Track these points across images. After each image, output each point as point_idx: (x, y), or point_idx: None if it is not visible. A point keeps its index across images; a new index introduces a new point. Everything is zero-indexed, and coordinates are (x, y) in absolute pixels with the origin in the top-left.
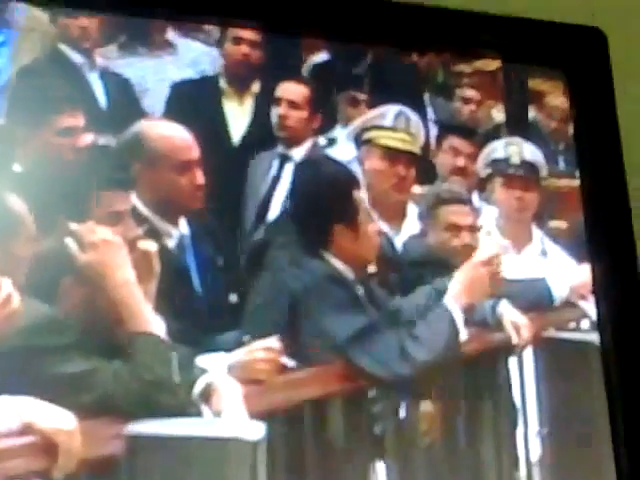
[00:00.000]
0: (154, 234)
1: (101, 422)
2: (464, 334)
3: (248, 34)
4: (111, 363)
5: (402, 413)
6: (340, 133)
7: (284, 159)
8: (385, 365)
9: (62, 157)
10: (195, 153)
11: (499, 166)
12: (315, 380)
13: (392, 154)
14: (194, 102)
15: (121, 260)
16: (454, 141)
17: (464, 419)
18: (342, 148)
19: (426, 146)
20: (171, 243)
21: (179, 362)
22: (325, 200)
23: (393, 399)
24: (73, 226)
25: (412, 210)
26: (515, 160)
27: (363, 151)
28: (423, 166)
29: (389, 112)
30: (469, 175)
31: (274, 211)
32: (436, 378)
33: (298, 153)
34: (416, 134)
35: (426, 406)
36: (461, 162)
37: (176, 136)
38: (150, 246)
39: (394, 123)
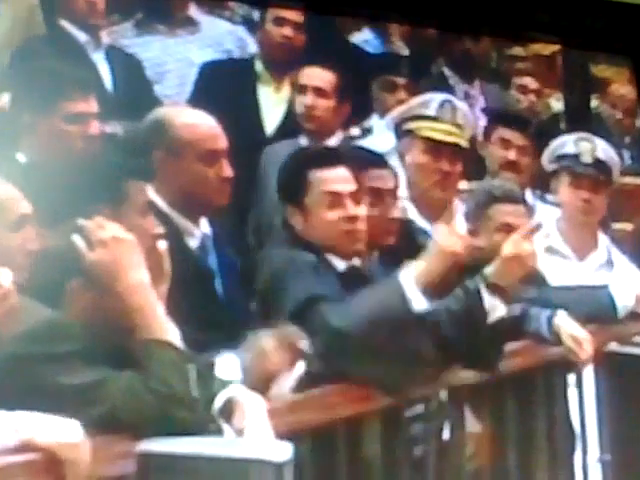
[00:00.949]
0: (174, 232)
1: (110, 439)
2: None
3: (292, 15)
4: (122, 374)
5: (446, 434)
6: (377, 122)
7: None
8: None
9: (71, 146)
10: (223, 143)
11: (568, 163)
12: (347, 397)
13: (436, 147)
14: (224, 86)
15: (135, 259)
16: (505, 132)
17: (515, 442)
18: (379, 138)
19: (473, 138)
20: (193, 243)
21: (197, 374)
22: None
23: (436, 418)
24: (80, 222)
25: (459, 209)
26: (586, 158)
27: (404, 143)
28: (470, 160)
29: (433, 100)
30: (522, 170)
31: None
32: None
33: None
34: (464, 125)
35: (473, 426)
36: (512, 155)
37: (202, 124)
38: (161, 245)
39: (439, 113)
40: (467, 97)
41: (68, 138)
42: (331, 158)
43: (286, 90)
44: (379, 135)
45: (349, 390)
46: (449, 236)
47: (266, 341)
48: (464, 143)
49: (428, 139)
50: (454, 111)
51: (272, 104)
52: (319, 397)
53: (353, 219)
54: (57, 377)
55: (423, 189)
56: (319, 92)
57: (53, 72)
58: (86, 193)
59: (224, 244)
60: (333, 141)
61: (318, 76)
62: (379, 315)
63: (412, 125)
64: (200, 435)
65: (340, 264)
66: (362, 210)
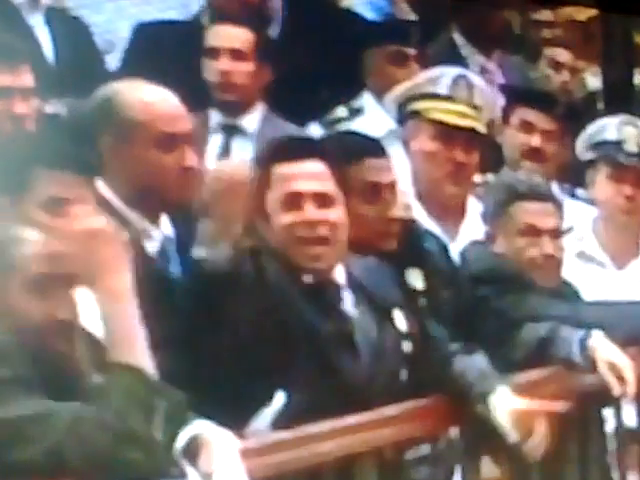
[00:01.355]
0: (130, 234)
1: None
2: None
3: None
4: (67, 405)
5: (456, 479)
6: (369, 101)
7: (230, 132)
8: None
9: None
10: (185, 125)
11: (608, 151)
12: (337, 434)
13: (448, 132)
14: (165, 52)
15: (118, 258)
16: (527, 114)
17: None
18: (373, 120)
19: (490, 121)
20: (151, 247)
21: (166, 414)
22: None
23: (445, 461)
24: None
25: (474, 207)
26: (631, 146)
27: (409, 127)
28: (488, 148)
29: (445, 76)
30: (547, 159)
31: None
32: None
33: (250, 122)
34: (481, 106)
35: (491, 471)
36: (536, 141)
37: (159, 102)
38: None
39: (452, 91)
40: (483, 72)
41: None
42: (302, 149)
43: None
44: (372, 116)
45: (339, 424)
46: None
47: None
48: (481, 128)
49: (438, 123)
50: (470, 89)
51: None
52: (303, 434)
53: (311, 224)
54: None
55: (432, 183)
56: (235, 54)
57: None
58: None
59: (189, 248)
60: (254, 116)
61: (233, 35)
62: None
63: (419, 106)
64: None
65: (306, 277)
66: (333, 214)
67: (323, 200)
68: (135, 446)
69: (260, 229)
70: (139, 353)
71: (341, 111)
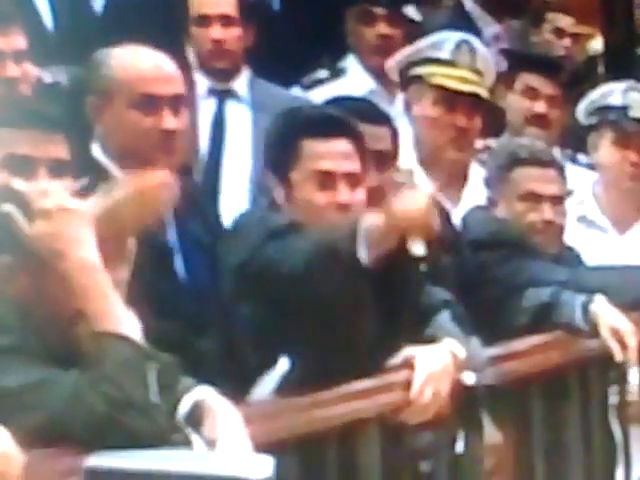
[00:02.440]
0: None
1: (52, 452)
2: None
3: None
4: (65, 374)
5: (459, 446)
6: (352, 62)
7: (223, 96)
8: None
9: None
10: (168, 88)
11: (612, 116)
12: (340, 400)
13: (450, 97)
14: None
15: (84, 235)
16: (531, 79)
17: (544, 454)
18: (354, 81)
19: (493, 86)
20: None
21: (159, 375)
22: None
23: (446, 426)
24: (18, 185)
25: (476, 173)
26: (637, 113)
27: (411, 92)
28: (491, 113)
29: (447, 41)
30: (550, 125)
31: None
32: None
33: (240, 86)
34: (484, 71)
35: (493, 436)
36: (541, 107)
37: (142, 63)
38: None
39: (454, 55)
40: (495, 38)
41: None
42: (332, 126)
43: None
44: (354, 77)
45: (342, 391)
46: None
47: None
48: (484, 93)
49: (441, 88)
50: (472, 54)
51: None
52: (305, 400)
53: (345, 207)
54: None
55: (434, 148)
56: (225, 20)
57: None
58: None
59: (186, 213)
60: (241, 80)
61: (222, 0)
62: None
63: (421, 70)
64: (162, 448)
65: None
66: (359, 195)
67: (353, 181)
68: (134, 412)
69: (278, 200)
70: (122, 320)
71: (322, 73)
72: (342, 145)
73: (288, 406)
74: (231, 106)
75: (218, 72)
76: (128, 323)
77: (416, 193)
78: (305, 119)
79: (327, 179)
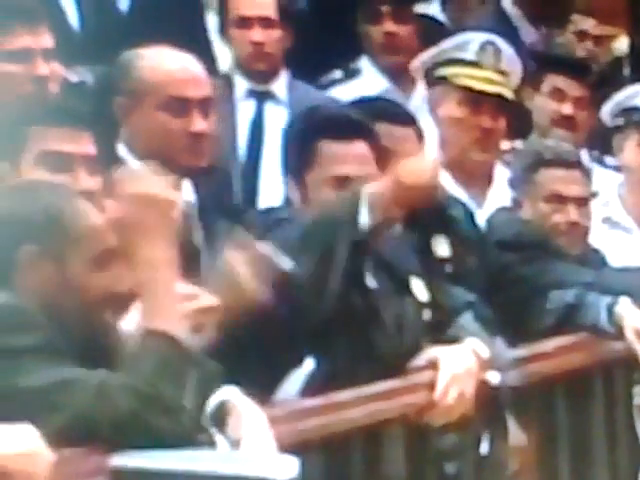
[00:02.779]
0: None
1: (77, 452)
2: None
3: None
4: (93, 372)
5: (484, 447)
6: (366, 63)
7: (262, 98)
8: None
9: (14, 88)
10: (197, 91)
11: (637, 118)
12: (365, 401)
13: (475, 98)
14: (165, 13)
15: (163, 227)
16: (558, 80)
17: (569, 456)
18: (368, 80)
19: (519, 87)
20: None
21: (198, 383)
22: None
23: (471, 427)
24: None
25: (501, 174)
26: None
27: (435, 93)
28: (516, 115)
29: (472, 41)
30: (578, 127)
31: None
32: None
33: (279, 88)
34: (509, 72)
35: (517, 438)
36: (568, 109)
37: (171, 65)
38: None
39: (479, 56)
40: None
41: (11, 80)
42: (350, 127)
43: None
44: (369, 77)
45: (366, 392)
46: None
47: (234, 258)
48: (509, 94)
49: (465, 88)
50: (497, 55)
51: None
52: (331, 401)
53: None
54: (13, 378)
55: (459, 149)
56: (265, 22)
57: None
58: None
59: (212, 214)
60: (280, 82)
61: (263, 2)
62: None
63: (446, 71)
64: (187, 447)
65: None
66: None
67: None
68: (162, 412)
69: (294, 201)
70: (175, 321)
71: (337, 73)
72: (360, 148)
73: (313, 407)
74: (270, 108)
75: (257, 74)
76: (180, 325)
77: (420, 159)
78: (323, 120)
79: (343, 182)
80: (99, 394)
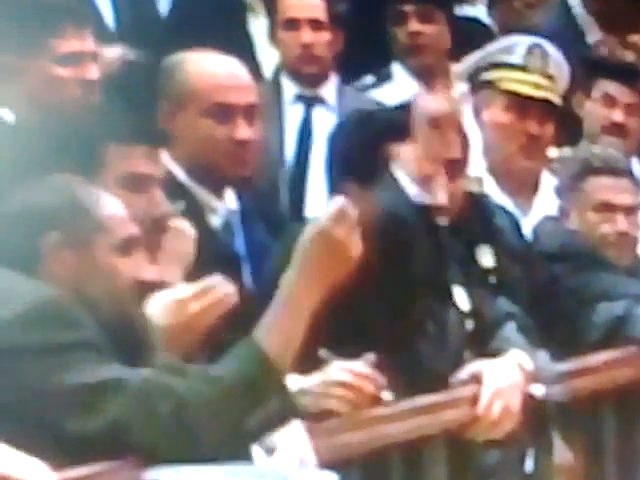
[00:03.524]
0: (192, 208)
1: (109, 465)
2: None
3: None
4: (133, 372)
5: (529, 465)
6: (397, 67)
7: (310, 103)
8: None
9: (64, 92)
10: (242, 97)
11: None
12: (410, 415)
13: (521, 103)
14: (206, 17)
15: None
16: (609, 86)
17: (617, 475)
18: (399, 84)
19: (569, 93)
20: (215, 221)
21: (266, 417)
22: None
23: (516, 444)
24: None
25: (548, 182)
26: None
27: (480, 97)
28: (565, 121)
29: (519, 45)
30: (629, 134)
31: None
32: None
33: (328, 93)
34: (557, 76)
35: (563, 456)
36: (618, 116)
37: (217, 70)
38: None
39: (526, 60)
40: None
41: (61, 84)
42: (407, 128)
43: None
44: (400, 81)
45: (408, 405)
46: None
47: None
48: (556, 99)
49: (511, 93)
50: (545, 59)
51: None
52: (370, 415)
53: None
54: (59, 374)
55: (504, 156)
56: (315, 24)
57: (38, 3)
58: (83, 154)
59: (255, 222)
60: (330, 87)
61: (312, 4)
62: None
63: (491, 75)
64: (225, 461)
65: None
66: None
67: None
68: (202, 416)
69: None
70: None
71: (368, 79)
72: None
73: (352, 421)
74: (319, 113)
75: (306, 78)
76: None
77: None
78: (386, 122)
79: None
80: (138, 396)
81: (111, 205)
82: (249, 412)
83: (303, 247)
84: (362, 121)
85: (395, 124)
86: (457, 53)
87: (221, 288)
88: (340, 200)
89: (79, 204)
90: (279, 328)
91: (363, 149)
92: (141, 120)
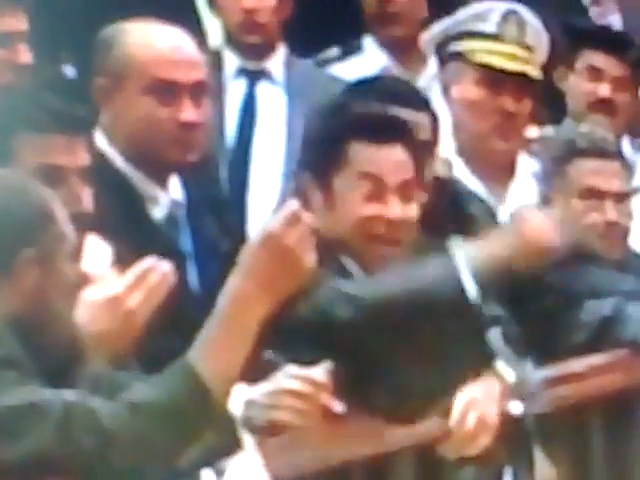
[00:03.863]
0: (129, 198)
1: None
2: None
3: None
4: (58, 394)
5: None
6: (368, 40)
7: (255, 77)
8: None
9: None
10: (190, 73)
11: None
12: (372, 431)
13: (495, 77)
14: None
15: None
16: (595, 58)
17: None
18: (367, 58)
19: (549, 65)
20: (157, 213)
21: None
22: None
23: (492, 459)
24: None
25: (526, 165)
26: None
27: (449, 71)
28: (545, 97)
29: (493, 11)
30: (617, 111)
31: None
32: None
33: (275, 66)
34: (535, 46)
35: (545, 471)
36: (606, 91)
37: (163, 44)
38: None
39: (500, 28)
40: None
41: None
42: (386, 129)
43: None
44: (369, 55)
45: (371, 419)
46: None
47: None
48: (535, 72)
49: (484, 66)
50: (522, 27)
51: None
52: (332, 429)
53: (394, 223)
54: None
55: (476, 136)
56: None
57: None
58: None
59: (203, 216)
60: (277, 59)
61: None
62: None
63: (462, 46)
64: None
65: (356, 271)
66: (411, 210)
67: (406, 193)
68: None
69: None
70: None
71: (332, 51)
72: (397, 152)
73: (313, 436)
74: (264, 88)
75: (249, 48)
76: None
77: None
78: (356, 118)
79: (376, 190)
80: (61, 423)
81: (61, 209)
82: (183, 447)
83: (250, 251)
84: (328, 111)
85: (365, 122)
86: (434, 23)
87: (157, 269)
88: (294, 204)
89: (50, 216)
90: (219, 347)
91: (322, 142)
92: (61, 104)
